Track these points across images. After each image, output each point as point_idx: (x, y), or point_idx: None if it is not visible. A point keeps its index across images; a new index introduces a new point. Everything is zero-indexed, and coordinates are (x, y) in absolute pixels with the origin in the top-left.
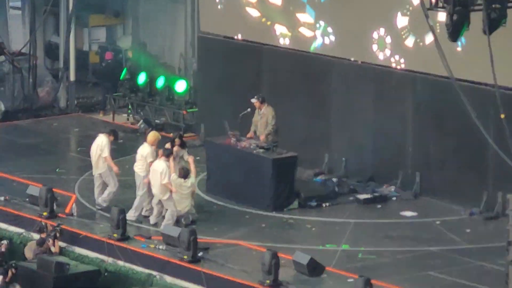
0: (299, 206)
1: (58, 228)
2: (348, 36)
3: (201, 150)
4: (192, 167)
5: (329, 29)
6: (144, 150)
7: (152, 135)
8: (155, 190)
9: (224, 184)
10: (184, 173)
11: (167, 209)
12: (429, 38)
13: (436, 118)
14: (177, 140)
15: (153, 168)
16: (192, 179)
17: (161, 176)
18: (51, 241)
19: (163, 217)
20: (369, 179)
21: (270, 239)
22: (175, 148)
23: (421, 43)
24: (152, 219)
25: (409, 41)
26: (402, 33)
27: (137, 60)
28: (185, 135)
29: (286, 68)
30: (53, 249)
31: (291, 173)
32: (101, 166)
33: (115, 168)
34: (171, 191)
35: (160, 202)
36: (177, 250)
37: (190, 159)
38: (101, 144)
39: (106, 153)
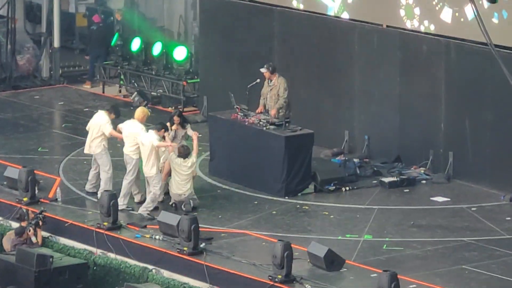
0: (315, 191)
1: (40, 215)
2: None
3: (204, 127)
4: (194, 145)
5: None
6: (135, 127)
7: (141, 111)
8: (143, 166)
9: (230, 166)
10: (184, 152)
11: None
12: (463, 4)
13: (472, 90)
14: (176, 118)
15: (141, 141)
16: (193, 159)
17: (151, 147)
18: (31, 230)
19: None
20: (395, 160)
21: (282, 228)
22: (174, 127)
23: (456, 12)
24: (120, 200)
25: (441, 8)
26: (435, 2)
27: (129, 23)
28: (185, 109)
29: (300, 33)
30: (34, 239)
31: (306, 153)
32: (95, 147)
33: (121, 136)
34: (169, 171)
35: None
36: (176, 241)
37: (194, 135)
38: (100, 123)
39: (108, 130)
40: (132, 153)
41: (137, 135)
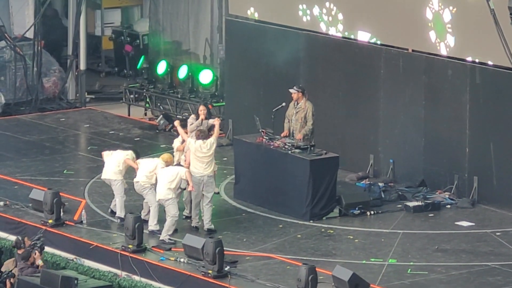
0: (340, 214)
1: (38, 241)
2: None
3: (229, 150)
4: (216, 129)
5: (375, 15)
6: (156, 163)
7: (168, 157)
8: (160, 189)
9: (255, 189)
10: (202, 134)
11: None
12: (487, 25)
13: (496, 114)
14: (202, 108)
15: (174, 173)
16: (211, 139)
17: (173, 172)
18: (37, 253)
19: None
20: (420, 184)
21: (306, 251)
22: (202, 117)
23: (477, 31)
24: (152, 225)
25: (465, 29)
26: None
27: (156, 46)
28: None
29: (326, 57)
30: (40, 262)
31: (331, 177)
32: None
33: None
34: (189, 188)
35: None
36: (201, 264)
37: (216, 121)
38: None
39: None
40: (146, 182)
41: (157, 168)
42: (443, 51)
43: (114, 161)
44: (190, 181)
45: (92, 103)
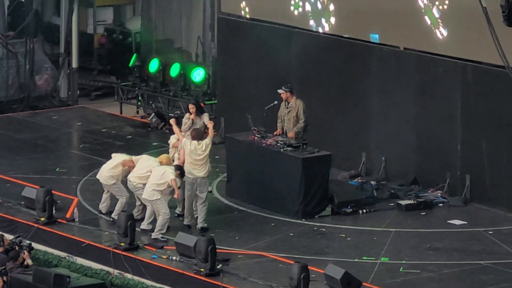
0: (332, 213)
1: (17, 240)
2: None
3: (221, 148)
4: (210, 131)
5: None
6: (153, 162)
7: (166, 158)
8: (146, 189)
9: (247, 187)
10: (197, 133)
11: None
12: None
13: (488, 112)
14: (191, 106)
15: (162, 173)
16: (206, 140)
17: (162, 175)
18: (26, 253)
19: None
20: (412, 182)
21: (299, 250)
22: (191, 116)
23: (469, 28)
24: (144, 224)
25: (457, 26)
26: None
27: (147, 44)
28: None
29: (317, 55)
30: (29, 261)
31: (323, 175)
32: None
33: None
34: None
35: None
36: (193, 262)
37: (209, 124)
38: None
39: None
40: (139, 182)
41: (152, 167)
42: (439, 36)
43: (110, 162)
44: (176, 189)
45: (95, 100)
